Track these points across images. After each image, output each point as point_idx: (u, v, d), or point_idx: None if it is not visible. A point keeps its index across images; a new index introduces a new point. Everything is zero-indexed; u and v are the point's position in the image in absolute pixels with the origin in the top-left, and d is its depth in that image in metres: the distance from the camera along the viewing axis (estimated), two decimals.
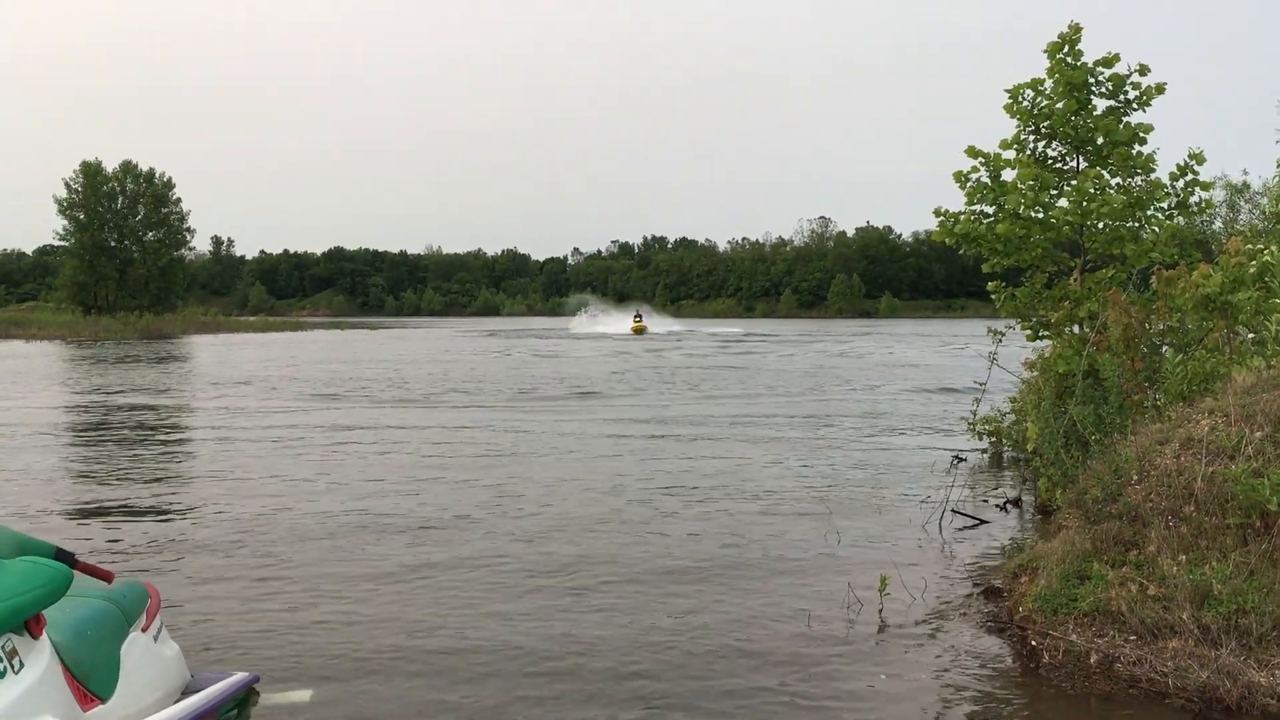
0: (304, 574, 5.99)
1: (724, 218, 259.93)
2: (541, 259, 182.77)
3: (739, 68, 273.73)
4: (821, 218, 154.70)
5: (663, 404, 17.01)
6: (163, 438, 13.35)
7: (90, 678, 3.13)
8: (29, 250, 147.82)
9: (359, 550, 6.59)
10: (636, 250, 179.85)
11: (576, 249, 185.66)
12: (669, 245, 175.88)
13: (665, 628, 5.04)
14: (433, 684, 4.29)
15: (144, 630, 3.63)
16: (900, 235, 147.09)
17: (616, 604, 5.45)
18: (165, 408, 17.30)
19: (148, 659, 3.57)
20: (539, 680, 4.35)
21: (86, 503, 8.51)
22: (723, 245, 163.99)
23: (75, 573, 3.21)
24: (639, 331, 59.78)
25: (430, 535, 7.03)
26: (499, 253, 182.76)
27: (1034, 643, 4.67)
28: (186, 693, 3.73)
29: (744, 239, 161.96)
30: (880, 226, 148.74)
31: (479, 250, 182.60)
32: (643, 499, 8.40)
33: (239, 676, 3.99)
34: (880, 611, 5.27)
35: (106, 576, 3.29)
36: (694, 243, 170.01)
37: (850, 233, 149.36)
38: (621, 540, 6.94)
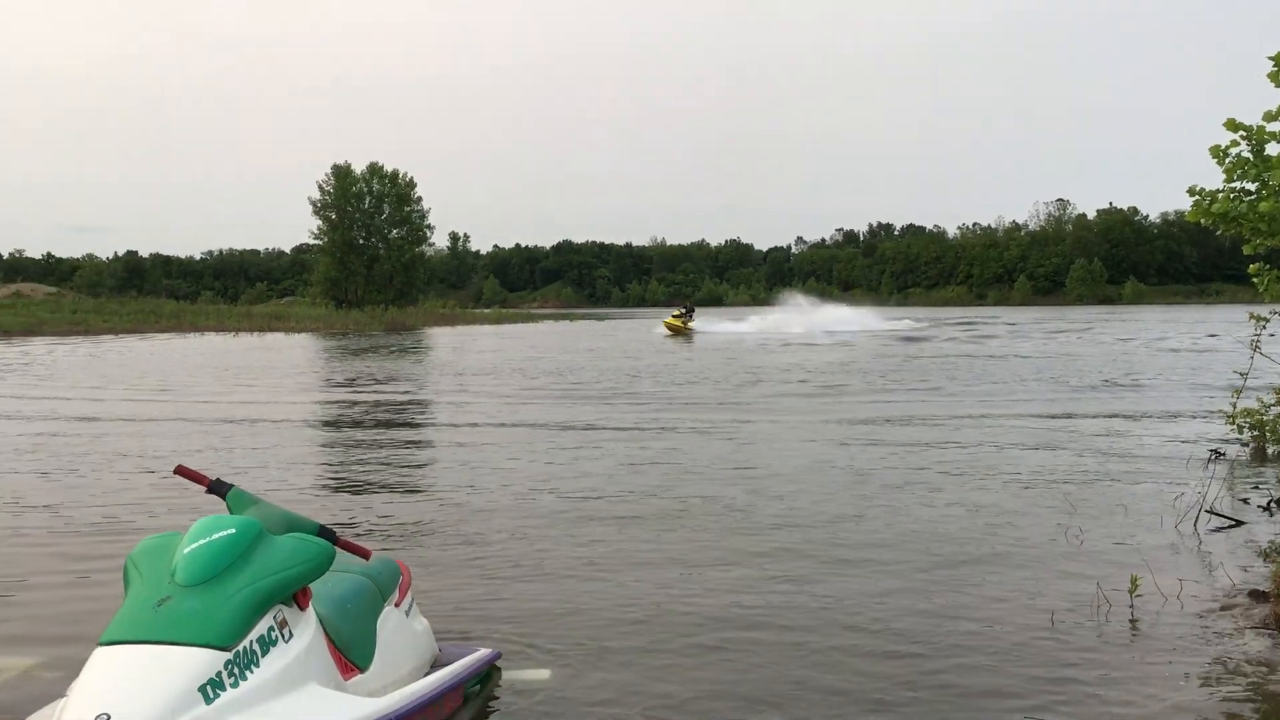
0: (547, 556, 6.19)
1: (953, 202, 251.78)
2: (765, 249, 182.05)
3: (961, 43, 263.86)
4: (1059, 200, 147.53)
5: (892, 399, 16.67)
6: (407, 424, 14.11)
7: (350, 648, 3.34)
8: (287, 249, 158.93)
9: (602, 535, 6.76)
10: (862, 238, 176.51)
11: (800, 238, 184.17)
12: (895, 232, 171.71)
13: (906, 620, 4.93)
14: (670, 668, 4.34)
15: (397, 605, 3.85)
16: (1147, 216, 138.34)
17: (854, 596, 5.37)
18: (409, 396, 18.27)
19: (401, 632, 3.79)
20: (774, 670, 4.33)
21: (341, 483, 9.09)
22: (952, 231, 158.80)
23: (340, 549, 3.45)
24: (677, 331, 45.25)
25: (676, 523, 7.13)
26: (722, 243, 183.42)
27: None
28: (435, 666, 3.93)
29: (975, 224, 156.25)
30: (1124, 208, 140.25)
31: (702, 241, 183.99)
32: (873, 494, 8.25)
33: (483, 653, 4.18)
34: (1132, 613, 4.98)
35: (364, 553, 3.51)
36: (922, 229, 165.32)
37: (1091, 215, 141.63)
38: (857, 531, 6.84)
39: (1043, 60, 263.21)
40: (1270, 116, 9.05)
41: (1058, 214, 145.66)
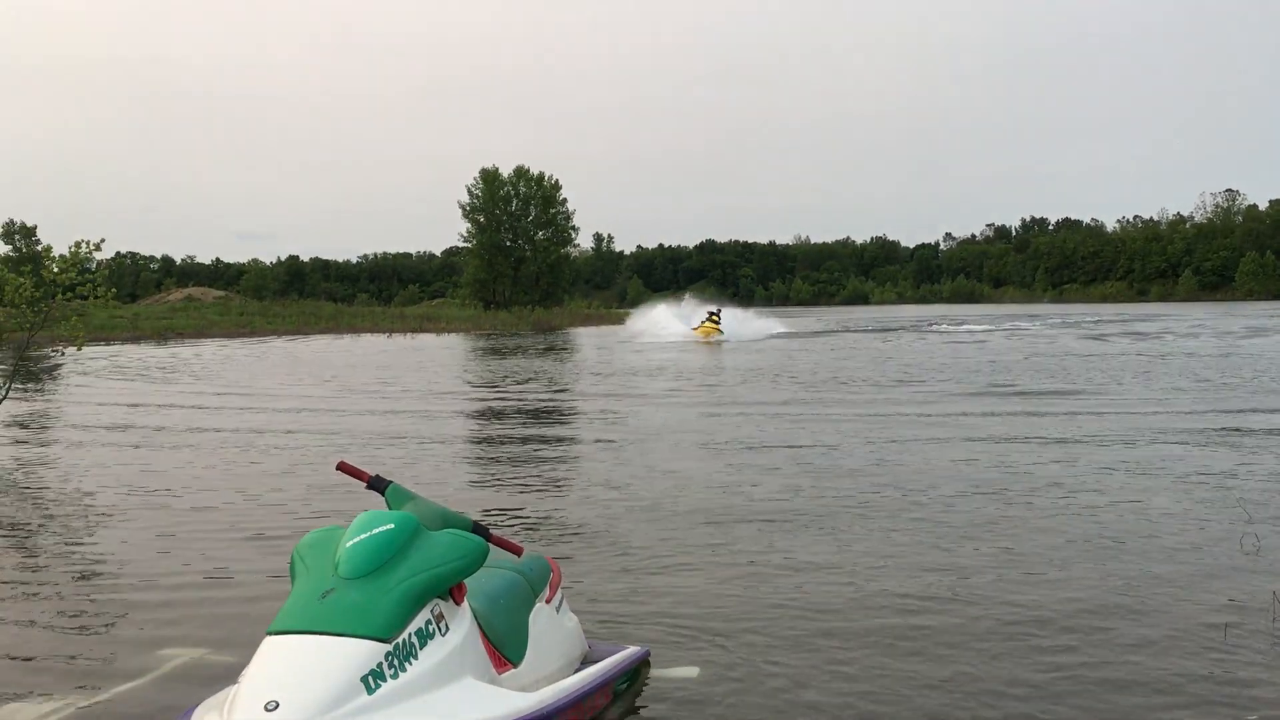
0: (696, 556, 6.19)
1: (1112, 195, 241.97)
2: (911, 245, 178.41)
3: (1120, 31, 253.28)
4: (1228, 190, 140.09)
5: (1090, 398, 16.14)
6: (555, 423, 14.32)
7: (504, 643, 3.39)
8: (438, 252, 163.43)
9: (752, 536, 6.73)
10: (1014, 233, 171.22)
11: (949, 234, 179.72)
12: (1050, 226, 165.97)
13: (1070, 624, 4.75)
14: (819, 671, 4.28)
15: (548, 602, 3.89)
16: None
17: (1020, 601, 5.20)
18: (556, 395, 18.54)
19: (552, 629, 3.83)
20: (928, 676, 4.23)
21: (492, 481, 9.28)
22: (1111, 225, 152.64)
23: (493, 545, 3.51)
24: (709, 335, 39.74)
25: (828, 526, 7.04)
26: (867, 240, 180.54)
27: None
28: (585, 663, 3.97)
29: (1135, 217, 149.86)
30: None
31: (847, 238, 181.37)
32: (1033, 495, 7.99)
33: (632, 650, 4.20)
34: None
35: (516, 550, 3.56)
36: (1078, 223, 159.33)
37: (1263, 205, 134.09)
38: (1020, 534, 6.63)
39: (1207, 46, 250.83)
40: None
41: (1226, 205, 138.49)
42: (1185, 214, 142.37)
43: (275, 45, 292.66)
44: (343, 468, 3.54)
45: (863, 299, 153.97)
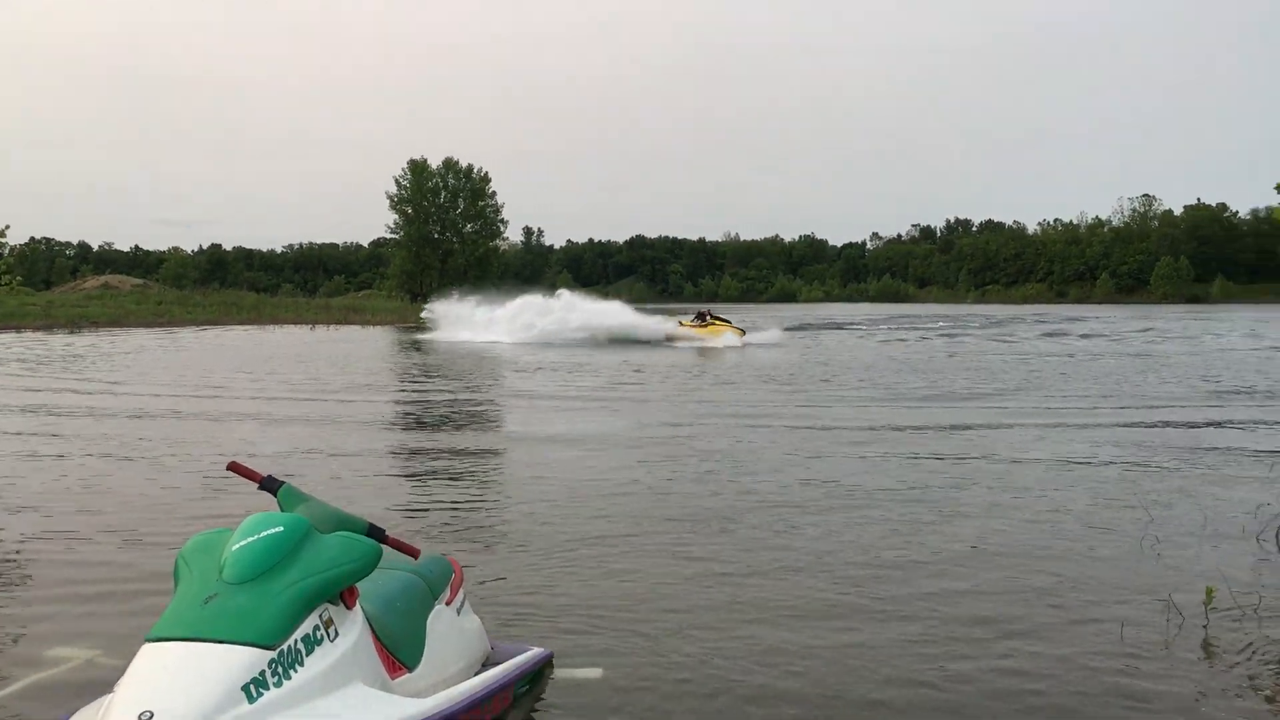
0: (605, 557, 6.15)
1: (1035, 198, 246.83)
2: (839, 245, 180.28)
3: (1041, 36, 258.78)
4: (1145, 195, 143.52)
5: (961, 402, 16.43)
6: (468, 421, 14.19)
7: (399, 647, 3.33)
8: (365, 243, 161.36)
9: (660, 538, 6.71)
10: (939, 234, 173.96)
11: (875, 233, 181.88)
12: (974, 228, 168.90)
13: (959, 621, 4.81)
14: (723, 670, 4.28)
15: (448, 604, 3.83)
16: (1236, 213, 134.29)
17: (917, 602, 5.26)
18: (474, 392, 18.39)
19: (451, 631, 3.77)
20: (827, 673, 4.25)
21: (400, 481, 9.15)
22: (1032, 227, 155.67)
23: (389, 547, 3.44)
24: (719, 336, 34.54)
25: (732, 528, 7.05)
26: (796, 238, 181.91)
27: None
28: (487, 665, 3.91)
29: (1056, 220, 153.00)
30: (1213, 204, 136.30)
31: (776, 236, 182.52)
32: (943, 499, 8.10)
33: (535, 652, 4.15)
34: (1205, 628, 4.80)
35: (413, 552, 3.49)
36: (1001, 225, 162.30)
37: (1177, 211, 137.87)
38: (926, 537, 6.71)
39: (1126, 53, 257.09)
40: None
41: (1143, 210, 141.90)
42: (1104, 218, 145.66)
43: (199, 27, 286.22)
44: (234, 468, 3.44)
45: (790, 297, 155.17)
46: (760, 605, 5.18)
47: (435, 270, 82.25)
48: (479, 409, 15.28)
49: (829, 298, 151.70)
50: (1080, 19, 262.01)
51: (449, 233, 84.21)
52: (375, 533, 3.27)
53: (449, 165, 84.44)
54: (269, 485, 3.37)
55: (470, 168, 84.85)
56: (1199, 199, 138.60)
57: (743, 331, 35.48)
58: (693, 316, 37.66)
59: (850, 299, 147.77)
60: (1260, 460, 9.56)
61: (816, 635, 4.74)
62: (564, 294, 41.21)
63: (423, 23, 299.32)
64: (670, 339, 35.63)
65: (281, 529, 2.93)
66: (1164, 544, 6.43)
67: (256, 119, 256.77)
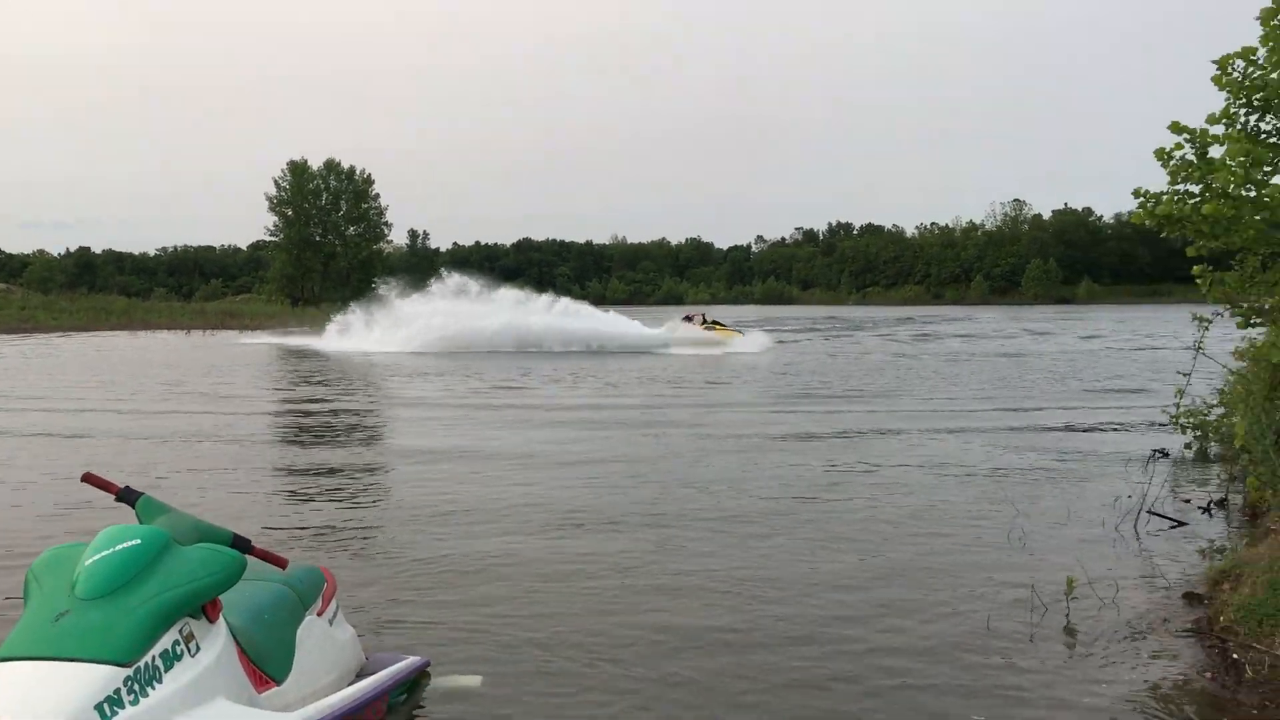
0: (484, 565, 6.10)
1: (913, 202, 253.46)
2: (725, 247, 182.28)
3: (918, 43, 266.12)
4: (1015, 200, 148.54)
5: (835, 400, 16.74)
6: (346, 429, 13.94)
7: (266, 660, 3.24)
8: (243, 245, 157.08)
9: (542, 544, 6.68)
10: (821, 236, 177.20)
11: (760, 236, 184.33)
12: (855, 231, 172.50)
13: (831, 613, 4.91)
14: (602, 677, 4.29)
15: (320, 614, 3.75)
16: (1101, 217, 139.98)
17: (788, 598, 5.34)
18: (353, 399, 18.08)
19: (323, 642, 3.69)
20: (700, 670, 4.29)
21: (266, 491, 8.92)
22: (910, 230, 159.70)
23: (255, 559, 3.35)
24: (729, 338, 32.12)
25: (615, 533, 7.07)
26: (683, 241, 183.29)
27: (1235, 655, 4.33)
28: (362, 675, 3.84)
29: (933, 224, 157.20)
30: (1079, 209, 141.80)
31: (663, 239, 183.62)
32: (816, 493, 8.26)
33: (411, 660, 4.10)
34: (1067, 616, 4.99)
35: (280, 562, 3.42)
36: (881, 228, 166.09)
37: (1046, 215, 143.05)
38: (799, 532, 6.82)
39: (1000, 62, 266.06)
40: (1213, 120, 9.14)
41: (1014, 214, 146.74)
42: (977, 222, 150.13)
43: (60, 17, 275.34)
44: (89, 479, 3.32)
45: (677, 299, 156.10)
46: (640, 609, 5.21)
47: (317, 273, 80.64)
48: (358, 420, 15.01)
49: (715, 300, 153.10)
50: (951, 27, 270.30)
51: (331, 235, 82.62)
52: (240, 544, 3.18)
53: (331, 166, 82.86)
54: (127, 497, 3.25)
55: (353, 169, 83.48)
56: (1066, 203, 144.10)
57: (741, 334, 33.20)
58: (682, 318, 34.86)
59: (736, 301, 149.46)
60: (1119, 455, 9.97)
61: (693, 637, 4.78)
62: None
63: (305, 20, 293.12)
64: (672, 344, 31.77)
65: (138, 542, 2.83)
66: (1030, 536, 6.66)
67: (126, 118, 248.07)
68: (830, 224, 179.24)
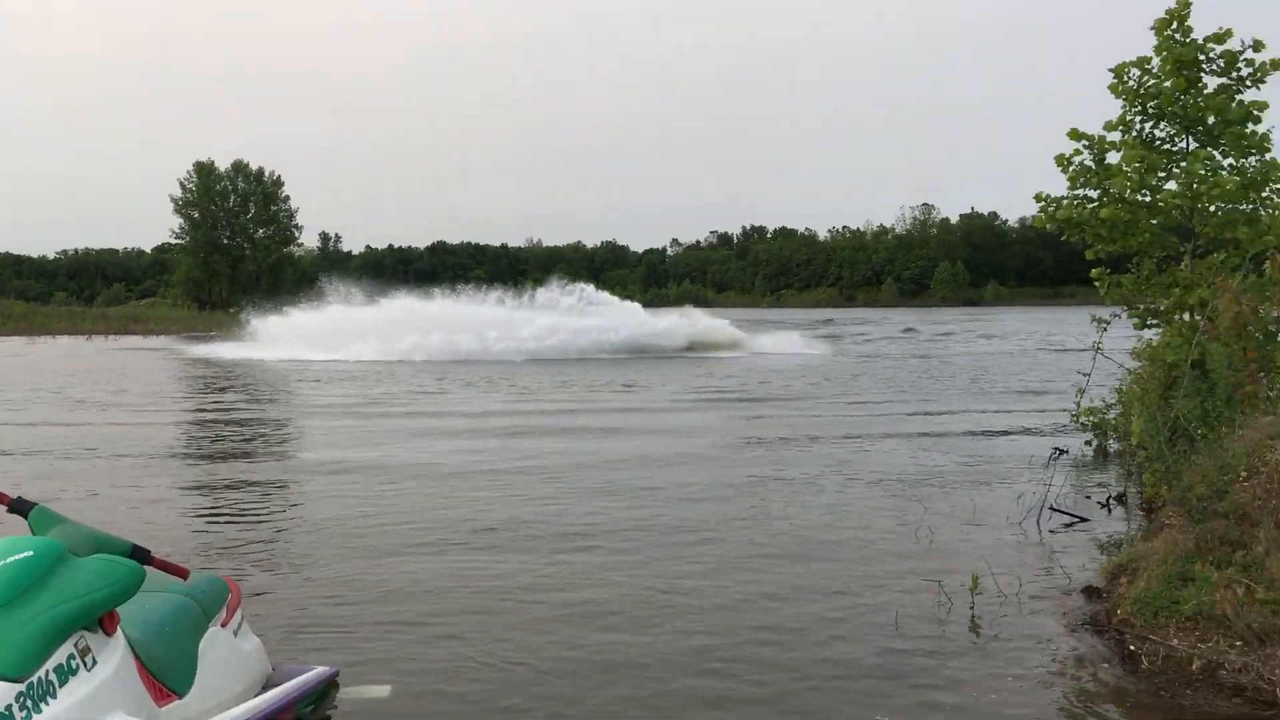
0: (391, 575, 6.02)
1: (824, 206, 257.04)
2: (640, 250, 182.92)
3: (828, 49, 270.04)
4: (924, 205, 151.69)
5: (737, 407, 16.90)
6: (256, 439, 13.68)
7: (167, 673, 3.17)
8: (147, 248, 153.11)
9: (449, 554, 6.61)
10: (735, 240, 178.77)
11: (675, 240, 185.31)
12: (768, 234, 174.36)
13: (745, 622, 4.96)
14: (512, 684, 4.27)
15: (224, 625, 3.67)
16: (1006, 221, 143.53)
17: (692, 600, 5.38)
18: (263, 406, 17.74)
19: (227, 654, 3.62)
20: (610, 680, 4.30)
21: (170, 502, 8.69)
22: (823, 234, 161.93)
23: (155, 569, 3.27)
24: None
25: (520, 543, 7.03)
26: (598, 244, 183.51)
27: (1133, 647, 4.47)
28: (268, 686, 3.77)
29: (844, 227, 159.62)
30: (985, 213, 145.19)
31: (578, 242, 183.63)
32: (722, 496, 8.32)
33: (318, 671, 4.03)
34: (972, 611, 5.10)
35: (182, 573, 3.34)
36: (794, 232, 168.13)
37: (954, 219, 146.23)
38: (705, 531, 6.86)
39: (908, 66, 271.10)
40: (1110, 126, 9.46)
41: (923, 218, 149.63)
42: (888, 225, 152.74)
43: None
44: None
45: None
46: (550, 618, 5.19)
47: (225, 277, 78.79)
48: (266, 431, 14.73)
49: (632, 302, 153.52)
50: (864, 35, 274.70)
51: (239, 238, 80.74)
52: (139, 554, 3.11)
53: (238, 168, 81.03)
54: (19, 508, 3.15)
55: (261, 170, 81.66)
56: (973, 208, 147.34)
57: None
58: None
59: (652, 304, 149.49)
60: (1023, 454, 10.22)
61: (606, 643, 4.78)
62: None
63: (213, 14, 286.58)
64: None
65: (31, 554, 2.74)
66: (937, 534, 6.80)
67: (18, 113, 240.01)
68: (744, 227, 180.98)
